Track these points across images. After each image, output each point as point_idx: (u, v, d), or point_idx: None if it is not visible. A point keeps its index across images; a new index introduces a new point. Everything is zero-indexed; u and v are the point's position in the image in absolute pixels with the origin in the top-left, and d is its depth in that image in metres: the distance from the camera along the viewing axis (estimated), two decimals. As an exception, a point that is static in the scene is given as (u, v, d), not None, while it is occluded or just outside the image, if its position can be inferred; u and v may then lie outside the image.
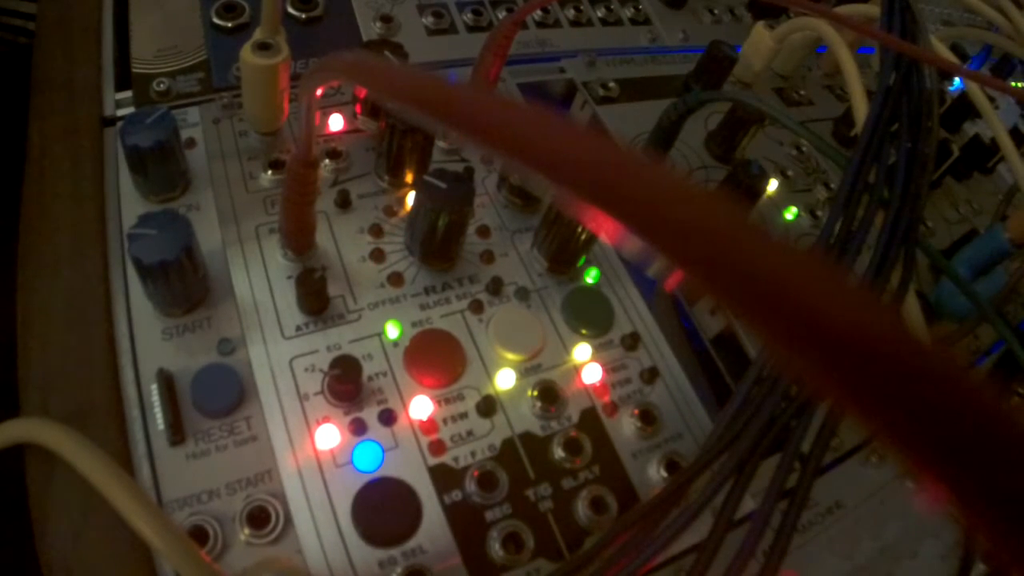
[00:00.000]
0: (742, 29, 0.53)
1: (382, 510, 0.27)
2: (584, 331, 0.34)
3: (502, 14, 0.47)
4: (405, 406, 0.30)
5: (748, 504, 0.28)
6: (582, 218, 0.31)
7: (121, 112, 0.37)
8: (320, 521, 0.27)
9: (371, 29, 0.44)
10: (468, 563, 0.27)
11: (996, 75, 0.62)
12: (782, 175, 0.45)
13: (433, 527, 0.28)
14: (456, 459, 0.29)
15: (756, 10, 0.56)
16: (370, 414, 0.29)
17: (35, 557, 0.26)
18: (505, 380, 0.32)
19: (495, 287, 0.34)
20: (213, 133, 0.36)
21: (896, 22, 0.36)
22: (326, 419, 0.29)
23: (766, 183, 0.39)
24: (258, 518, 0.26)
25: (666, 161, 0.42)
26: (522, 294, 0.34)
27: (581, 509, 0.29)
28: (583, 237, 0.33)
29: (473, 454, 0.30)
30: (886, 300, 0.31)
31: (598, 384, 0.33)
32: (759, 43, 0.47)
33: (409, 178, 0.36)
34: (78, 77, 0.38)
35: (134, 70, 0.38)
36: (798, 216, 0.43)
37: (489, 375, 0.32)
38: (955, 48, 0.61)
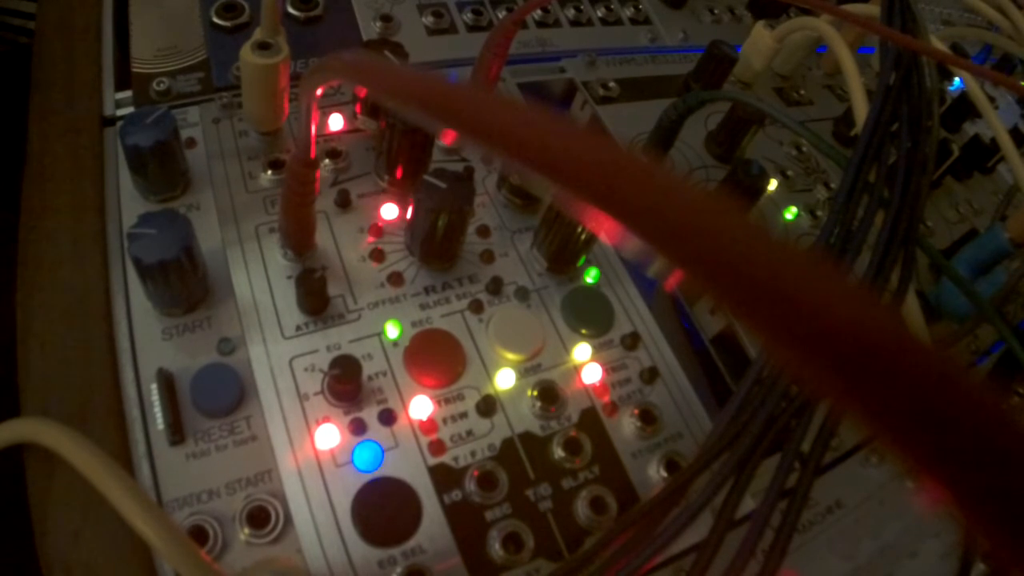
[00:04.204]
0: (742, 29, 0.53)
1: (382, 510, 0.27)
2: (584, 331, 0.34)
3: (502, 14, 0.47)
4: (405, 406, 0.30)
5: (748, 504, 0.28)
6: (582, 218, 0.31)
7: (121, 112, 0.37)
8: (320, 521, 0.27)
9: (371, 29, 0.44)
10: (468, 563, 0.27)
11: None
12: (782, 175, 0.45)
13: (433, 527, 0.28)
14: (456, 459, 0.29)
15: (756, 10, 0.56)
16: (370, 414, 0.29)
17: (35, 557, 0.26)
18: (505, 380, 0.32)
19: (495, 287, 0.34)
20: (213, 133, 0.36)
21: (896, 21, 0.36)
22: (326, 419, 0.29)
23: (766, 183, 0.39)
24: (258, 518, 0.26)
25: (666, 161, 0.42)
26: (522, 294, 0.34)
27: (581, 509, 0.29)
28: (583, 237, 0.33)
29: (473, 454, 0.30)
30: (886, 300, 0.31)
31: (598, 384, 0.33)
32: (759, 43, 0.47)
33: (409, 178, 0.36)
34: (78, 77, 0.38)
35: (134, 70, 0.38)
36: (798, 216, 0.43)
37: (489, 375, 0.32)
38: (955, 48, 0.61)
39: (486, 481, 0.29)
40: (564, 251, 0.34)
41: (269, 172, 0.35)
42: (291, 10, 0.42)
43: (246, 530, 0.26)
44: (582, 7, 0.50)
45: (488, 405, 0.31)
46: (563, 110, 0.46)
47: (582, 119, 0.44)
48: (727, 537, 0.25)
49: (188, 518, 0.26)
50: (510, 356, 0.32)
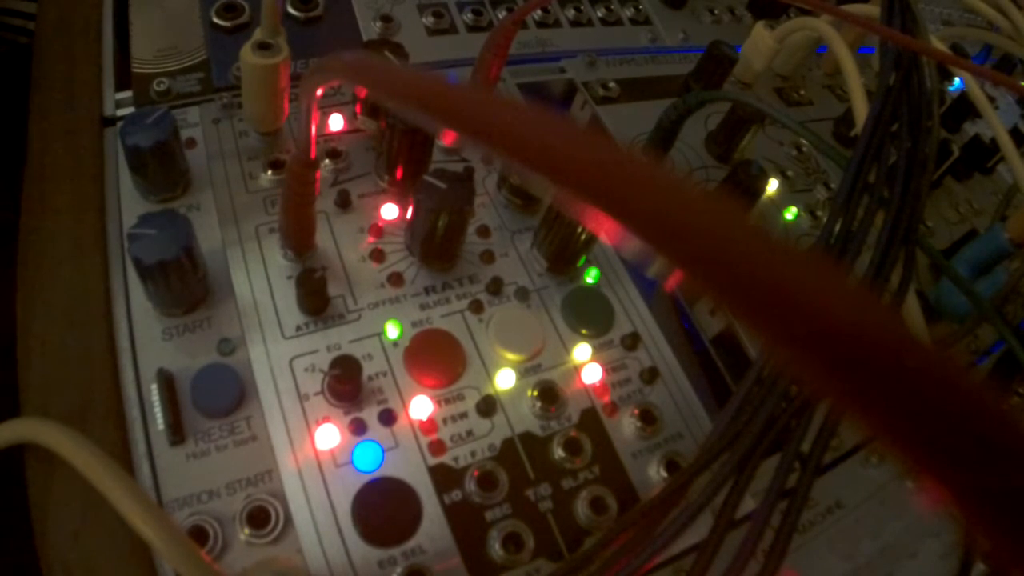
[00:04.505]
0: (742, 29, 0.53)
1: (382, 510, 0.27)
2: (584, 331, 0.34)
3: (502, 14, 0.47)
4: (405, 406, 0.30)
5: (748, 504, 0.28)
6: (582, 218, 0.31)
7: (121, 112, 0.37)
8: (320, 521, 0.27)
9: (371, 29, 0.44)
10: (468, 563, 0.27)
11: (996, 75, 0.62)
12: (782, 175, 0.45)
13: (433, 527, 0.28)
14: (456, 459, 0.29)
15: (756, 10, 0.56)
16: (370, 414, 0.29)
17: (35, 557, 0.26)
18: (505, 380, 0.32)
19: (495, 287, 0.34)
20: (213, 133, 0.36)
21: (896, 21, 0.36)
22: (326, 419, 0.29)
23: (766, 183, 0.39)
24: (258, 518, 0.26)
25: (666, 161, 0.42)
26: (522, 294, 0.34)
27: (581, 509, 0.29)
28: (583, 237, 0.33)
29: (473, 454, 0.30)
30: (886, 300, 0.31)
31: (598, 384, 0.33)
32: (759, 43, 0.47)
33: (409, 178, 0.36)
34: (78, 77, 0.38)
35: (134, 70, 0.38)
36: (798, 216, 0.43)
37: (489, 375, 0.32)
38: (955, 48, 0.61)
39: (486, 481, 0.29)
40: (564, 251, 0.34)
41: (269, 172, 0.35)
42: (291, 10, 0.42)
43: (246, 530, 0.26)
44: (582, 7, 0.50)
45: (488, 405, 0.31)
46: (563, 110, 0.46)
47: (582, 119, 0.44)
48: (727, 537, 0.25)
49: (188, 518, 0.26)
50: (510, 356, 0.32)
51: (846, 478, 0.34)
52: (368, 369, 0.30)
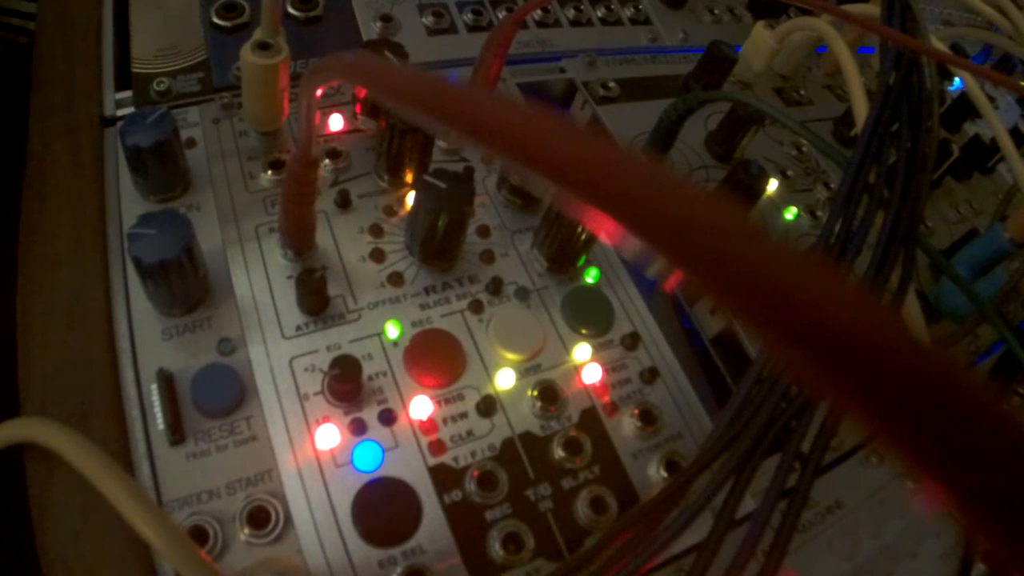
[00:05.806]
0: (742, 29, 0.53)
1: (382, 510, 0.27)
2: (584, 331, 0.34)
3: (502, 14, 0.47)
4: (405, 406, 0.30)
5: (748, 504, 0.28)
6: (582, 218, 0.31)
7: (121, 112, 0.37)
8: (320, 521, 0.27)
9: (371, 29, 0.44)
10: (468, 563, 0.27)
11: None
12: (782, 175, 0.45)
13: (433, 527, 0.28)
14: (456, 459, 0.29)
15: (756, 10, 0.56)
16: (370, 414, 0.29)
17: (35, 557, 0.26)
18: (505, 380, 0.32)
19: (495, 287, 0.34)
20: (213, 133, 0.36)
21: (896, 21, 0.36)
22: (326, 419, 0.29)
23: (766, 183, 0.39)
24: (258, 518, 0.26)
25: (666, 161, 0.42)
26: (522, 294, 0.34)
27: (581, 509, 0.29)
28: (583, 237, 0.33)
29: (473, 454, 0.30)
30: (886, 300, 0.31)
31: (598, 384, 0.33)
32: (759, 43, 0.47)
33: (409, 178, 0.36)
34: (78, 77, 0.38)
35: (134, 70, 0.38)
36: (798, 216, 0.43)
37: (489, 375, 0.32)
38: (955, 48, 0.61)
39: (486, 481, 0.29)
40: (564, 251, 0.34)
41: (269, 172, 0.35)
42: (291, 10, 0.42)
43: (246, 530, 0.26)
44: (582, 7, 0.50)
45: (488, 405, 0.31)
46: (563, 110, 0.46)
47: (582, 119, 0.44)
48: (727, 537, 0.25)
49: (188, 518, 0.26)
50: (510, 356, 0.32)
51: (846, 478, 0.34)
52: (368, 369, 0.30)
